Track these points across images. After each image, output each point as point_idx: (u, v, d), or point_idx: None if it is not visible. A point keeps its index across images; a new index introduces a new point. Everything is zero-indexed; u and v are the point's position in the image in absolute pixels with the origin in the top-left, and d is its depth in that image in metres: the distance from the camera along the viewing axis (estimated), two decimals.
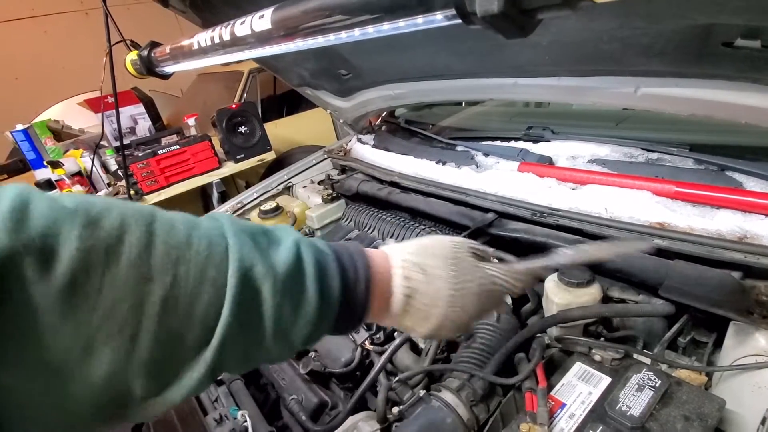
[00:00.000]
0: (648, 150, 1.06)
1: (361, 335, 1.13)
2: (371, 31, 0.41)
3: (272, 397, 1.21)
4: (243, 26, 0.53)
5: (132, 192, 2.79)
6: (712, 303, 0.78)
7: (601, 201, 0.98)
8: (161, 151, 2.82)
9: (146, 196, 2.83)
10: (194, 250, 0.37)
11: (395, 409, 0.83)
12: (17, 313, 0.29)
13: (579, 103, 1.17)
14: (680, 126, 1.12)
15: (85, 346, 0.32)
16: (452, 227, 1.30)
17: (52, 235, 0.30)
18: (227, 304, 0.37)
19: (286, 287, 0.41)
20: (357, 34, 0.42)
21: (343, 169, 1.99)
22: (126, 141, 3.12)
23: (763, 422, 0.64)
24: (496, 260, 0.62)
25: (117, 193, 2.95)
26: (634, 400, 0.67)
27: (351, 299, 0.47)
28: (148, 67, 0.99)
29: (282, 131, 4.02)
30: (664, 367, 0.80)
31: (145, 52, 0.98)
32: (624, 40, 0.68)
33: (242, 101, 3.50)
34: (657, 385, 0.69)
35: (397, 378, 0.86)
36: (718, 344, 0.82)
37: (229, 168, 3.15)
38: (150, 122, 3.60)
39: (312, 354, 1.15)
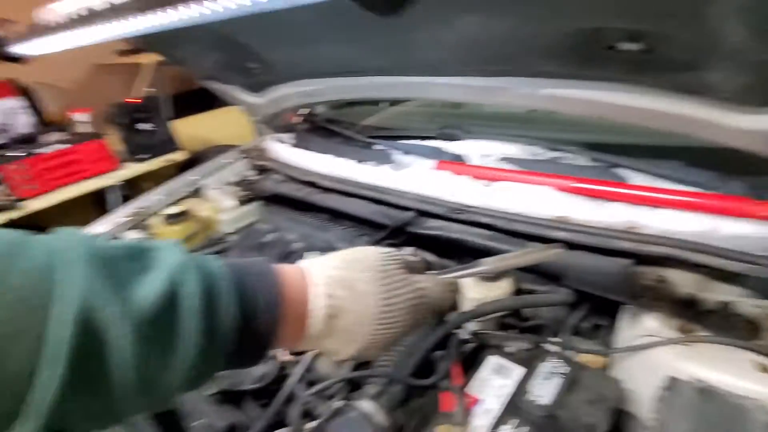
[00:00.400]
0: (550, 148, 1.13)
1: None
2: (234, 6, 0.36)
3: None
4: None
5: (3, 198, 2.38)
6: (606, 289, 0.84)
7: (510, 197, 1.02)
8: (42, 151, 2.44)
9: (22, 203, 2.43)
10: (10, 282, 0.28)
11: (311, 425, 0.77)
12: None
13: (489, 103, 1.21)
14: (578, 126, 1.21)
15: None
16: (372, 227, 1.27)
17: None
18: (53, 363, 0.28)
19: (152, 330, 0.33)
20: (221, 9, 0.36)
21: (261, 170, 1.88)
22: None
23: (658, 399, 0.68)
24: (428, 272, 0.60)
25: None
26: (544, 388, 0.69)
27: (252, 330, 0.41)
28: None
29: (195, 129, 3.72)
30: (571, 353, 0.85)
31: None
32: (520, 41, 0.71)
33: (147, 95, 3.17)
34: (564, 371, 0.72)
35: (308, 391, 0.80)
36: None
37: (131, 170, 2.83)
38: (31, 117, 3.11)
39: (222, 372, 1.04)
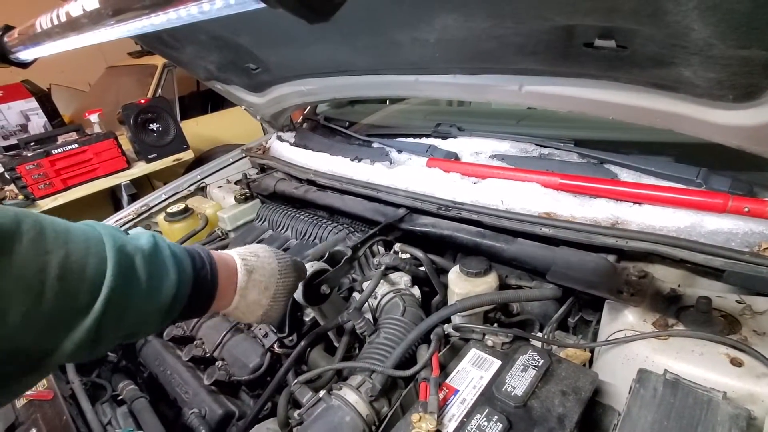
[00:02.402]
0: (540, 145, 1.13)
1: (270, 339, 1.08)
2: (177, 16, 0.38)
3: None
4: (75, 5, 0.47)
5: (21, 197, 2.47)
6: (589, 285, 0.84)
7: (498, 194, 1.03)
8: (56, 151, 2.52)
9: (39, 201, 2.51)
10: (77, 234, 0.49)
11: (297, 413, 0.80)
12: None
13: (477, 101, 1.22)
14: (568, 123, 1.21)
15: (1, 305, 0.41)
16: (366, 223, 1.30)
17: None
18: (109, 269, 0.48)
19: (151, 259, 0.54)
20: (168, 18, 0.39)
21: (262, 168, 1.92)
22: (14, 140, 2.76)
23: (630, 391, 0.70)
24: None
25: (3, 199, 2.59)
26: (519, 380, 0.71)
27: (200, 274, 0.62)
28: (2, 55, 0.86)
29: (203, 129, 3.79)
30: (553, 347, 0.86)
31: None
32: (500, 38, 0.72)
33: (156, 96, 3.24)
34: (539, 364, 0.73)
35: (296, 380, 0.83)
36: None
37: (141, 168, 2.90)
38: (45, 118, 3.21)
39: (218, 363, 1.08)
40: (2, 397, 0.49)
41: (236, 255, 0.71)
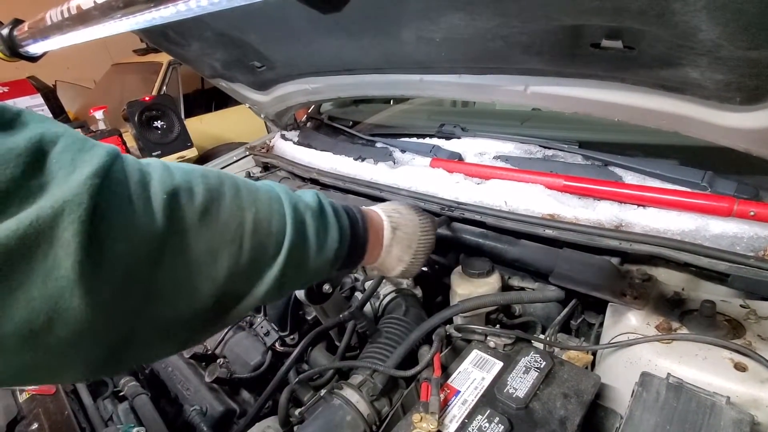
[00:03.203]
0: (545, 147, 1.13)
1: (272, 337, 1.08)
2: (186, 8, 0.38)
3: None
4: None
5: None
6: (592, 287, 0.84)
7: (501, 195, 1.03)
8: None
9: None
10: (262, 193, 0.54)
11: (298, 411, 0.80)
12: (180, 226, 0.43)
13: (481, 101, 1.22)
14: (573, 124, 1.21)
15: (212, 249, 0.45)
16: None
17: (189, 182, 0.46)
18: (288, 226, 0.54)
19: (318, 216, 0.59)
20: (178, 10, 0.39)
21: (266, 167, 1.92)
22: None
23: (632, 395, 0.69)
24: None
25: None
26: (521, 382, 0.71)
27: (356, 230, 0.66)
28: (11, 48, 0.87)
29: (207, 127, 3.80)
30: (556, 349, 0.86)
31: (6, 31, 0.86)
32: (506, 38, 0.72)
33: (161, 94, 3.26)
34: (541, 366, 0.73)
35: (297, 379, 0.83)
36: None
37: None
38: (51, 115, 3.23)
39: (219, 361, 1.08)
40: (204, 335, 0.55)
41: (382, 212, 0.75)
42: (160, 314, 0.43)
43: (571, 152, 1.08)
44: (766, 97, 0.63)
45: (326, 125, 1.88)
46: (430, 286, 1.11)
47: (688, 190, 0.87)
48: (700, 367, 0.66)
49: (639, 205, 0.91)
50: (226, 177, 0.51)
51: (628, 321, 0.80)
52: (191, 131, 3.11)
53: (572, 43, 0.70)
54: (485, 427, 0.63)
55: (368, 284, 1.04)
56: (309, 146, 1.69)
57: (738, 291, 0.78)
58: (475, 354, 0.80)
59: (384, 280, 1.06)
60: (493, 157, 1.19)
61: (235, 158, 2.01)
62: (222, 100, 4.05)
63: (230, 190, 0.50)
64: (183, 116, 3.33)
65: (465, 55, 0.85)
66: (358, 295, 1.13)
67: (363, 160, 1.45)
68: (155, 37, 1.33)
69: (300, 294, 0.92)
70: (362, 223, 0.68)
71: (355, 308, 0.95)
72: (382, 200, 1.28)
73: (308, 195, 0.61)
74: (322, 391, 0.79)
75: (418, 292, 1.07)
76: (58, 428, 0.92)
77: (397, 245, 0.74)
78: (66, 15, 0.54)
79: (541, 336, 0.89)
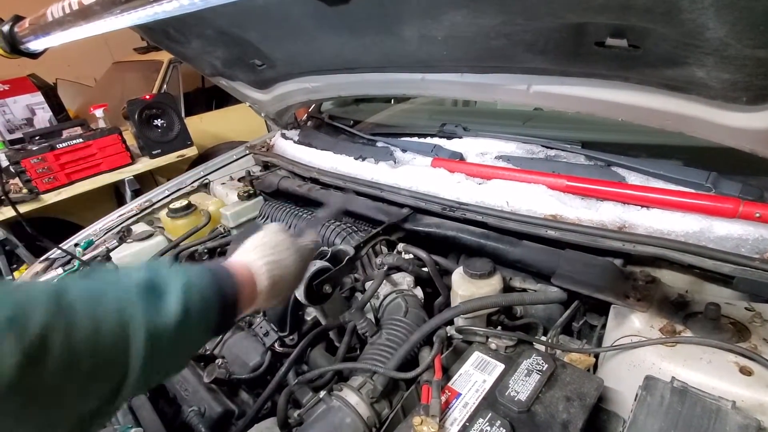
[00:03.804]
0: (547, 147, 1.12)
1: (271, 337, 1.08)
2: (189, 2, 0.37)
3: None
4: None
5: (25, 191, 2.47)
6: (595, 289, 0.83)
7: (503, 195, 1.02)
8: (61, 145, 2.52)
9: (43, 195, 2.51)
10: (106, 324, 0.48)
11: (297, 413, 0.79)
12: None
13: (484, 100, 1.21)
14: (575, 124, 1.20)
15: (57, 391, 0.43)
16: (369, 222, 1.29)
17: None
18: (140, 358, 0.49)
19: (181, 333, 0.54)
20: (181, 4, 0.38)
21: (266, 166, 1.91)
22: (19, 134, 2.77)
23: (636, 398, 0.68)
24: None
25: (9, 192, 2.59)
26: (523, 384, 0.70)
27: (227, 315, 0.63)
28: (12, 45, 0.86)
29: (208, 126, 3.79)
30: (558, 352, 0.85)
31: (7, 27, 0.85)
32: (509, 36, 0.71)
33: (161, 92, 3.24)
34: (544, 369, 0.72)
35: (296, 380, 0.82)
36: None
37: (144, 164, 2.90)
38: (51, 113, 3.22)
39: (218, 361, 1.07)
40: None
41: (261, 272, 0.69)
42: None
43: (573, 152, 1.07)
44: None
45: (327, 124, 1.87)
46: (431, 287, 1.10)
47: (693, 191, 0.86)
48: (705, 370, 0.65)
49: (642, 206, 0.90)
50: (54, 319, 0.45)
51: (631, 323, 0.79)
52: (191, 130, 3.10)
53: (576, 41, 0.69)
54: (487, 430, 0.62)
55: (368, 284, 1.03)
56: (309, 145, 1.68)
57: (743, 293, 0.77)
58: (476, 356, 0.79)
59: (384, 281, 1.05)
60: (495, 157, 1.18)
61: (235, 157, 2.00)
62: (222, 99, 4.03)
63: (59, 337, 0.44)
64: (183, 115, 3.31)
65: (467, 53, 0.84)
66: (359, 295, 1.12)
67: (364, 159, 1.44)
68: (156, 35, 1.32)
69: (299, 294, 0.91)
70: (234, 299, 0.64)
71: (356, 309, 0.94)
72: (382, 200, 1.27)
73: (171, 303, 0.54)
74: (322, 393, 0.78)
75: (419, 293, 1.07)
76: None
77: (274, 297, 0.72)
78: (68, 10, 0.53)
79: (543, 338, 0.88)
